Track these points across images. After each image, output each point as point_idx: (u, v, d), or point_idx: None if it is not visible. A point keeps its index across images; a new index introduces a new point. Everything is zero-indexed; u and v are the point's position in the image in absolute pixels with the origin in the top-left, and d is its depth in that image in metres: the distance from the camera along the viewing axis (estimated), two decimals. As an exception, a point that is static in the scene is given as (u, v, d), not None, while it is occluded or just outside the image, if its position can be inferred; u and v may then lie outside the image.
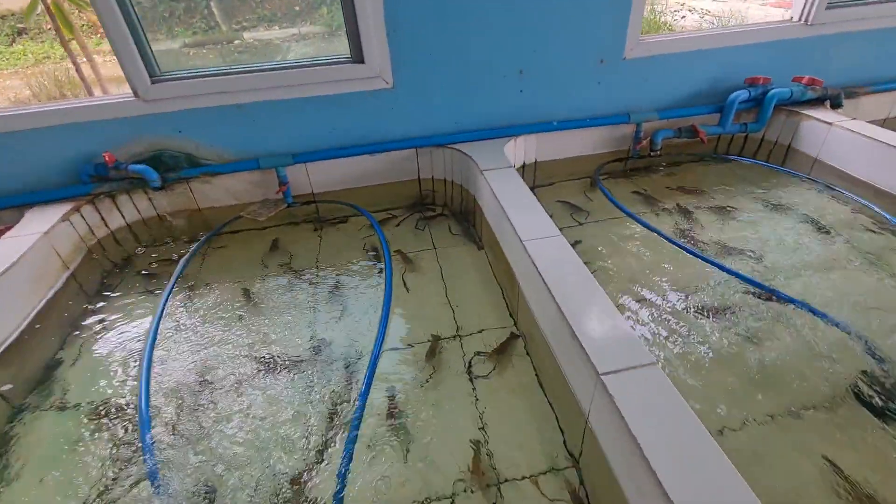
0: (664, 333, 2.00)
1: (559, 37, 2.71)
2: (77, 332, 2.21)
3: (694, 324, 2.04)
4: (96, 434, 1.75)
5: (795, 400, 1.69)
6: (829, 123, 2.83)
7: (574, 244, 2.61)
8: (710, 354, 1.89)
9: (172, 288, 2.40)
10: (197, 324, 2.21)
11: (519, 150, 3.02)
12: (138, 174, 2.50)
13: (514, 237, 2.00)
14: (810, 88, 2.99)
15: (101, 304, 2.38)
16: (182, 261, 2.57)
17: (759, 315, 2.05)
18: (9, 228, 2.30)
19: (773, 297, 2.10)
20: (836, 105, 3.06)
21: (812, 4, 2.93)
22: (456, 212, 2.98)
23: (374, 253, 2.64)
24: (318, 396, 1.84)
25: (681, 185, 3.10)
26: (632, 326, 1.91)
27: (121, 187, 2.60)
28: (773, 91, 2.98)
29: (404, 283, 2.43)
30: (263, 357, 2.03)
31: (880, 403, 1.64)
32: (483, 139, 2.88)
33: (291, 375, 1.94)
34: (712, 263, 2.33)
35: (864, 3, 3.01)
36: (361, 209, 2.90)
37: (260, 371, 1.96)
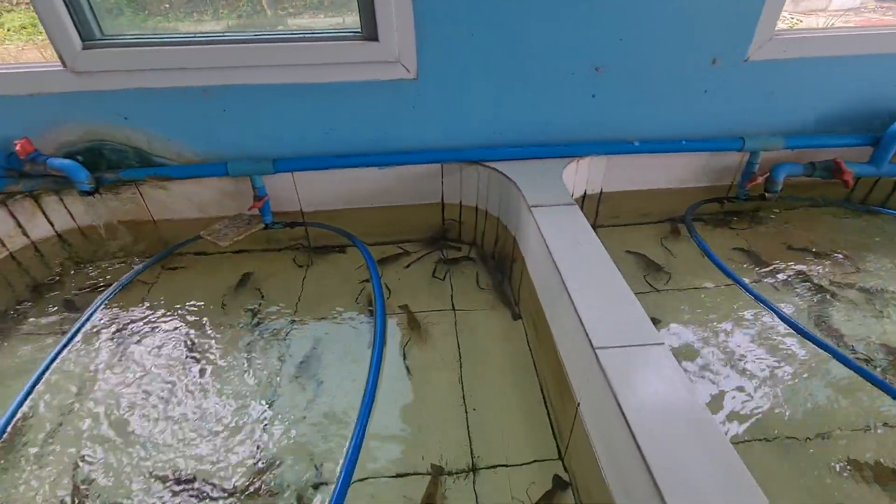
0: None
1: (656, 22, 1.88)
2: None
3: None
4: None
5: None
6: None
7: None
8: None
9: (79, 330, 1.73)
10: (93, 395, 1.53)
11: (581, 175, 2.21)
12: (61, 172, 1.84)
13: (576, 329, 1.20)
14: None
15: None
16: (100, 298, 1.89)
17: None
18: None
19: None
20: None
21: None
22: (487, 256, 2.20)
23: (371, 308, 1.90)
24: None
25: (806, 245, 2.22)
26: None
27: (44, 186, 1.96)
28: (963, 120, 2.06)
29: (404, 361, 1.67)
30: (178, 479, 1.31)
31: None
32: (534, 157, 2.09)
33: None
34: (877, 383, 1.46)
35: None
36: (355, 239, 2.16)
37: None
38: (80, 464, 1.34)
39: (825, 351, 1.60)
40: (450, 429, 1.45)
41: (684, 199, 2.40)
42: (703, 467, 0.86)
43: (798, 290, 1.94)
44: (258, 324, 1.83)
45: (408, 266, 2.16)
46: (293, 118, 1.99)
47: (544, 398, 1.53)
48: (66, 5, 1.68)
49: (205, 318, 1.84)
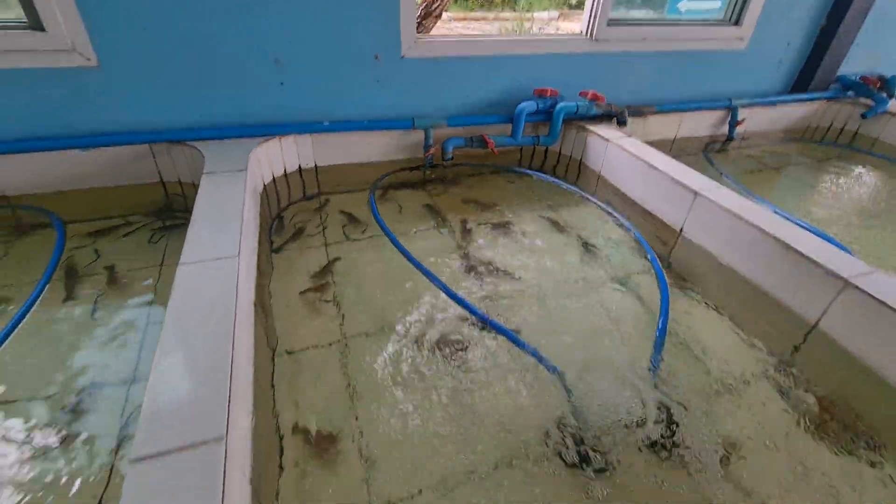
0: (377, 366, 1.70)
1: (317, 23, 2.36)
2: None
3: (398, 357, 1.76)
4: None
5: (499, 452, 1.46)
6: (607, 140, 2.81)
7: (331, 262, 2.28)
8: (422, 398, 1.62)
9: None
10: None
11: (289, 152, 2.63)
12: None
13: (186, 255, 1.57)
14: (595, 104, 2.97)
15: None
16: None
17: (473, 342, 1.84)
18: None
19: (487, 327, 1.90)
20: (621, 122, 3.08)
21: (595, 19, 2.92)
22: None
23: (69, 273, 2.07)
24: None
25: (476, 199, 2.92)
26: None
27: None
28: (560, 105, 2.91)
29: (94, 306, 1.89)
30: None
31: (573, 456, 1.45)
32: (235, 137, 2.44)
33: None
34: (444, 290, 2.10)
35: (640, 23, 3.07)
36: (52, 215, 2.30)
37: None
38: None
39: (420, 270, 2.21)
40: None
41: (389, 169, 2.96)
42: (200, 321, 1.27)
43: (455, 231, 2.58)
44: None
45: (125, 236, 2.35)
46: (-28, 102, 2.07)
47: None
48: None
49: None
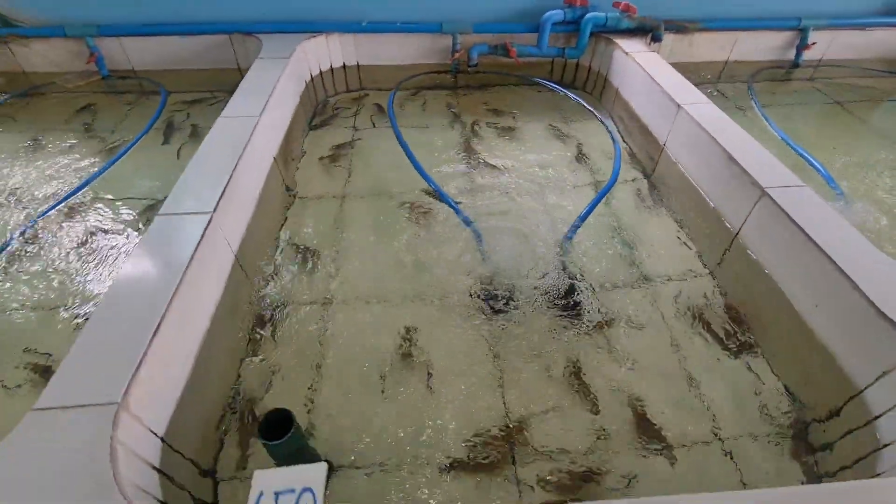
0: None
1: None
2: None
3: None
4: None
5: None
6: (626, 53, 2.86)
7: (353, 140, 2.81)
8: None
9: None
10: None
11: (334, 48, 3.10)
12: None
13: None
14: (626, 16, 2.97)
15: None
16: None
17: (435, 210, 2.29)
18: None
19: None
20: (656, 38, 3.04)
21: (640, -77, 2.83)
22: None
23: (168, 126, 2.86)
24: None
25: (496, 105, 3.19)
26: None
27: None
28: (588, 15, 2.96)
29: (178, 151, 2.67)
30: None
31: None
32: (290, 31, 2.96)
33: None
34: (419, 170, 2.53)
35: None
36: (161, 87, 3.08)
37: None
38: None
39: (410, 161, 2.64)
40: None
41: (421, 71, 3.32)
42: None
43: (465, 130, 2.93)
44: (91, 131, 2.79)
45: (210, 104, 3.08)
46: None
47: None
48: None
49: (47, 127, 2.79)
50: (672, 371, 1.68)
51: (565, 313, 1.84)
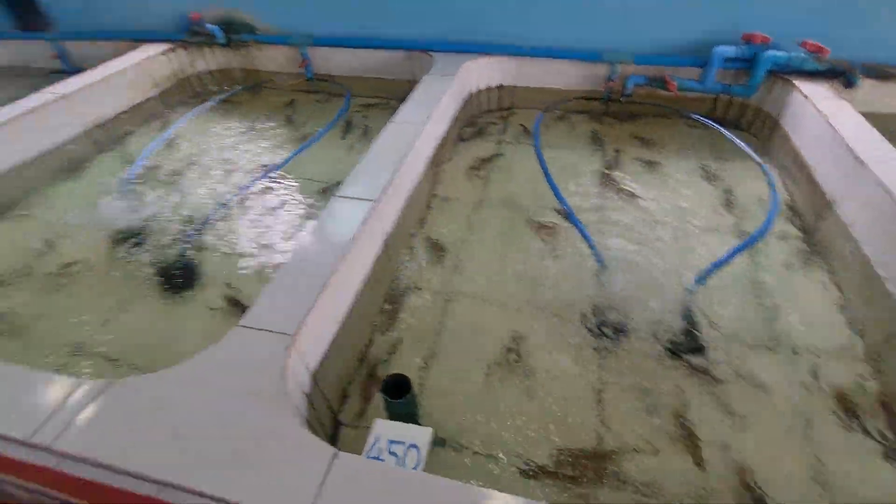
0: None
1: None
2: (149, 122, 3.49)
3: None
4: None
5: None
6: (806, 97, 2.61)
7: (496, 155, 3.04)
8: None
9: (195, 113, 3.52)
10: (205, 137, 3.30)
11: (494, 69, 3.36)
12: (210, 32, 3.56)
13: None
14: (814, 57, 2.70)
15: (169, 112, 3.63)
16: (218, 97, 3.69)
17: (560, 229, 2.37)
18: (126, 52, 3.58)
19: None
20: (849, 84, 2.72)
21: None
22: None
23: (347, 124, 3.40)
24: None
25: (643, 136, 3.15)
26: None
27: (204, 41, 3.72)
28: (767, 53, 2.77)
29: (352, 145, 3.17)
30: (225, 162, 3.02)
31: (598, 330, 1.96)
32: (459, 52, 3.30)
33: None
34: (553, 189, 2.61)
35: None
36: (347, 91, 3.64)
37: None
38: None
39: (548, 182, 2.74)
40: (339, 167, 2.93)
41: (573, 96, 3.42)
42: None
43: (607, 155, 2.97)
44: (291, 122, 3.45)
45: (382, 109, 3.57)
46: (328, 10, 3.45)
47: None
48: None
49: (261, 116, 3.51)
50: (793, 448, 1.55)
51: (681, 357, 1.80)
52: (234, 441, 1.16)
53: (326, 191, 2.73)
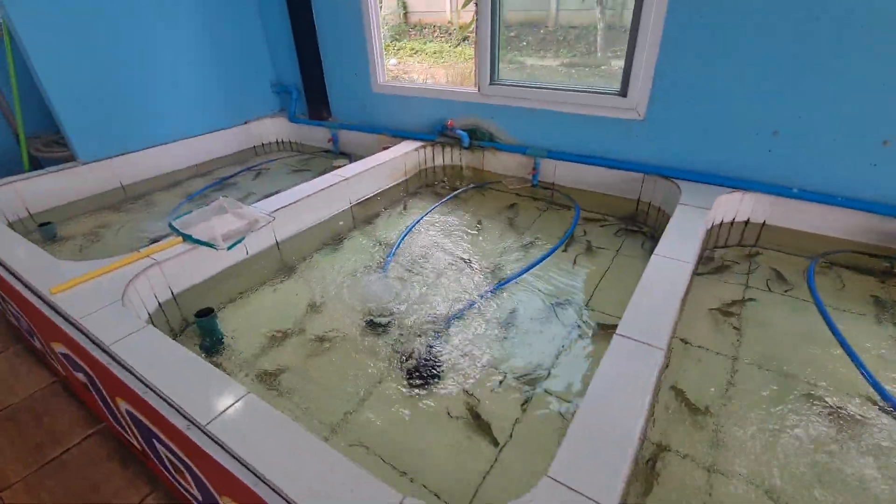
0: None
1: (832, 105, 2.68)
2: (394, 205, 3.98)
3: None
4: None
5: None
6: None
7: (745, 299, 2.71)
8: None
9: (438, 206, 3.89)
10: (439, 228, 3.60)
11: (745, 205, 3.11)
12: (459, 136, 4.04)
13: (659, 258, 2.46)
14: None
15: (409, 198, 4.11)
16: (450, 195, 4.05)
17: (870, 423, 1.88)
18: (390, 147, 4.22)
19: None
20: None
21: None
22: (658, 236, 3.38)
23: (567, 238, 3.42)
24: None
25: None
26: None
27: (449, 142, 4.23)
28: None
29: (574, 259, 3.15)
30: (461, 259, 3.21)
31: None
32: (708, 182, 3.14)
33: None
34: (864, 371, 2.12)
35: None
36: (576, 204, 3.68)
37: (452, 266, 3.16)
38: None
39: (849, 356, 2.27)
40: (578, 288, 2.86)
41: (841, 246, 2.94)
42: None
43: (891, 324, 2.44)
44: (511, 225, 3.61)
45: (601, 226, 3.55)
46: (566, 130, 3.65)
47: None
48: (490, 64, 3.78)
49: (486, 214, 3.74)
50: None
51: None
52: None
53: (560, 305, 2.69)
